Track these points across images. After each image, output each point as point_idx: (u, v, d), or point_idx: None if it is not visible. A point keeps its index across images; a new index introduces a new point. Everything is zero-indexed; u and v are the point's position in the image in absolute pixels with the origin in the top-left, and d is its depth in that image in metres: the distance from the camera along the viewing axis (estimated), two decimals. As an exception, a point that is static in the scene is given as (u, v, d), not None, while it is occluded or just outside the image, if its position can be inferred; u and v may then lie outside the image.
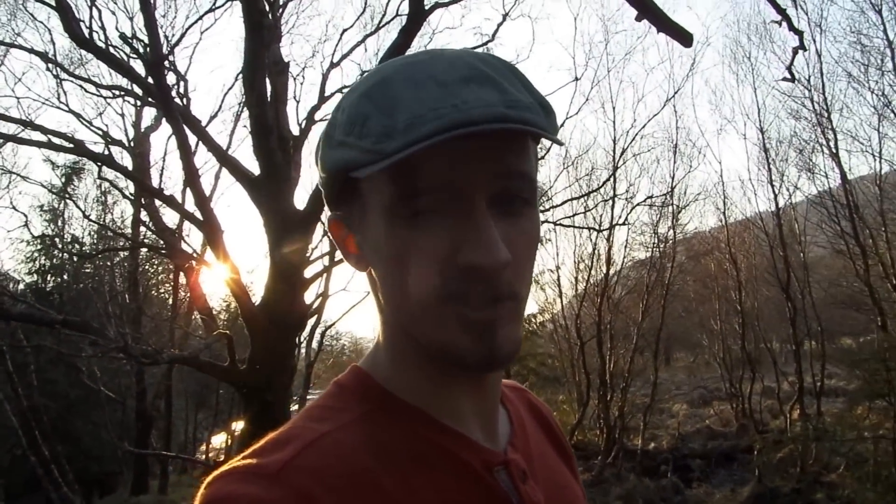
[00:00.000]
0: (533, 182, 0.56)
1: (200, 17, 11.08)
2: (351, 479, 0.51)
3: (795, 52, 3.00)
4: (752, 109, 13.30)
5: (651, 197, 13.54)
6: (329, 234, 0.63)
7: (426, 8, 4.66)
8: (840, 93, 16.62)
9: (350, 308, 12.01)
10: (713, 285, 15.70)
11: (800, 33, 2.84)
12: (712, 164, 29.69)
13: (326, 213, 0.63)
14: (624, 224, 13.18)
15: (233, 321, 14.75)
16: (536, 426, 0.73)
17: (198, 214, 5.35)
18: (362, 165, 0.51)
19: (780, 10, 2.75)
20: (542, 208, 10.61)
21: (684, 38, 2.28)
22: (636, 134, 13.00)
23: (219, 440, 19.54)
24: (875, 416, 9.11)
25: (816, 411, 11.45)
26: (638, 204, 13.40)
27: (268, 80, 5.48)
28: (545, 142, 0.59)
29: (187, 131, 5.11)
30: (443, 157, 0.50)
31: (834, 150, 11.45)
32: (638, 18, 2.28)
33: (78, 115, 10.95)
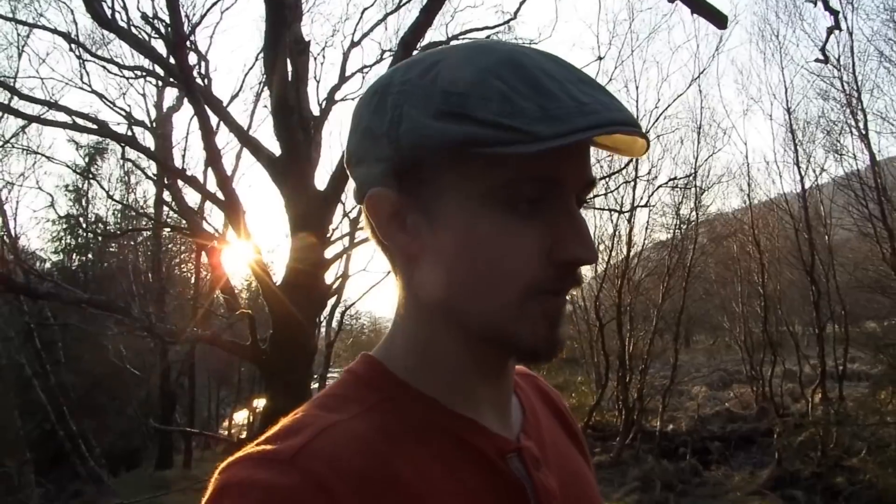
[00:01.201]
0: (595, 188, 0.60)
1: (221, -3, 11.02)
2: (364, 466, 0.51)
3: (830, 32, 2.92)
4: (780, 89, 13.13)
5: (674, 178, 13.37)
6: (368, 208, 0.58)
7: (448, -14, 4.59)
8: (871, 72, 16.15)
9: (370, 288, 12.04)
10: (735, 267, 15.51)
11: (835, 13, 2.75)
12: (737, 145, 29.26)
13: (365, 185, 0.59)
14: (646, 206, 13.07)
15: (254, 300, 14.92)
16: (547, 412, 0.74)
17: (220, 195, 5.39)
18: (502, 143, 0.50)
19: (816, -13, 2.67)
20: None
21: (719, 19, 2.23)
22: (660, 114, 12.81)
23: (241, 416, 19.90)
24: (899, 401, 9.01)
25: (838, 395, 11.34)
26: (660, 186, 13.25)
27: (288, 60, 5.46)
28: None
29: (209, 112, 5.12)
30: (562, 153, 0.51)
31: (863, 132, 11.20)
32: (671, 0, 2.22)
33: (101, 96, 11.07)
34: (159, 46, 7.00)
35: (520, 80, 0.51)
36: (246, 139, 5.77)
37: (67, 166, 14.31)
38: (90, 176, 14.74)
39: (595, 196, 12.39)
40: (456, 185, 0.54)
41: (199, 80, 6.77)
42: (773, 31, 13.59)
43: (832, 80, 11.62)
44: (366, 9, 14.69)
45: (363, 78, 9.51)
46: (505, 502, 0.57)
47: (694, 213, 13.87)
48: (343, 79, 8.54)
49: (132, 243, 15.88)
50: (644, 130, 0.53)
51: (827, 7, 2.71)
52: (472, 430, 0.58)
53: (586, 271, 15.20)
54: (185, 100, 10.46)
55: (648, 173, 13.13)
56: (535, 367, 0.71)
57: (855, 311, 13.96)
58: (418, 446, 0.55)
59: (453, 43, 0.64)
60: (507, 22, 8.72)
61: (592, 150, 0.60)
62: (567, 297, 0.58)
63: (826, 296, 12.12)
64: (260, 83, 12.07)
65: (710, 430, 12.78)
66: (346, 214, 10.26)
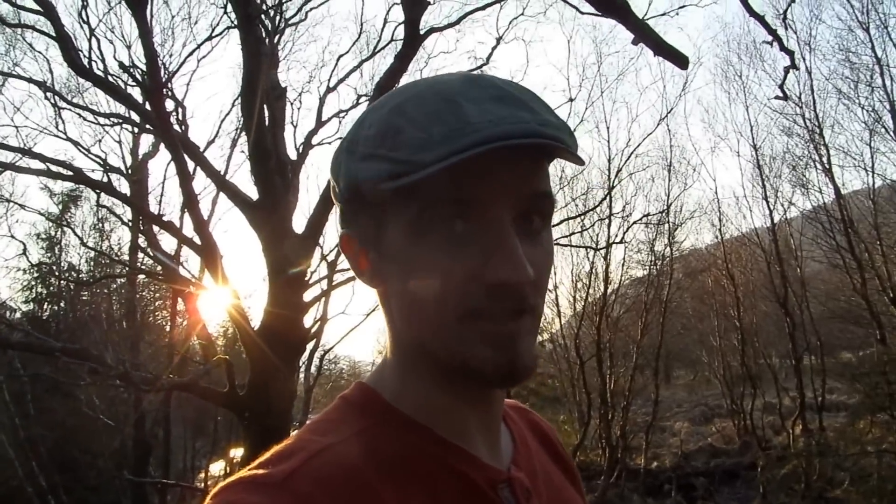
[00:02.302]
0: (552, 201, 0.58)
1: (199, 46, 11.12)
2: (355, 490, 0.51)
3: (787, 71, 3.06)
4: (745, 127, 13.49)
5: (647, 215, 13.60)
6: (341, 250, 0.63)
7: (421, 33, 4.72)
8: (831, 109, 16.77)
9: (349, 331, 11.91)
10: (711, 302, 15.69)
11: (791, 53, 2.90)
12: (707, 182, 29.88)
13: (339, 230, 0.64)
14: (621, 242, 13.25)
15: (230, 346, 14.69)
16: (539, 445, 0.73)
17: (196, 239, 5.36)
18: (395, 177, 0.52)
19: (771, 31, 2.81)
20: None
21: (680, 60, 2.33)
22: (631, 153, 13.09)
23: (217, 468, 19.33)
24: (877, 430, 9.08)
25: (819, 426, 11.41)
26: (634, 222, 13.47)
27: (265, 106, 5.53)
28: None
29: (186, 157, 5.14)
30: (471, 172, 0.51)
31: (827, 166, 11.58)
32: (635, 42, 2.32)
33: (76, 143, 10.98)
34: (135, 94, 7.05)
35: (417, 111, 0.53)
36: (223, 184, 5.79)
37: (41, 213, 14.12)
38: (63, 223, 14.56)
39: (571, 234, 12.54)
40: (390, 221, 0.56)
41: (175, 127, 6.80)
42: (735, 72, 14.10)
43: (795, 117, 12.08)
44: (341, 55, 14.91)
45: (339, 122, 9.62)
46: None
47: (668, 248, 14.10)
48: (319, 123, 8.63)
49: (106, 291, 15.62)
50: (554, 140, 0.52)
51: (782, 48, 2.85)
52: (462, 458, 0.58)
53: (565, 309, 15.27)
54: (162, 146, 10.48)
55: (623, 210, 13.37)
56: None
57: (830, 341, 14.17)
58: (407, 473, 0.55)
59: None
60: (480, 67, 8.92)
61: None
62: (517, 321, 0.55)
63: (801, 327, 12.31)
64: (237, 129, 12.13)
65: (695, 465, 12.73)
66: (324, 258, 10.24)
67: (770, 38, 2.82)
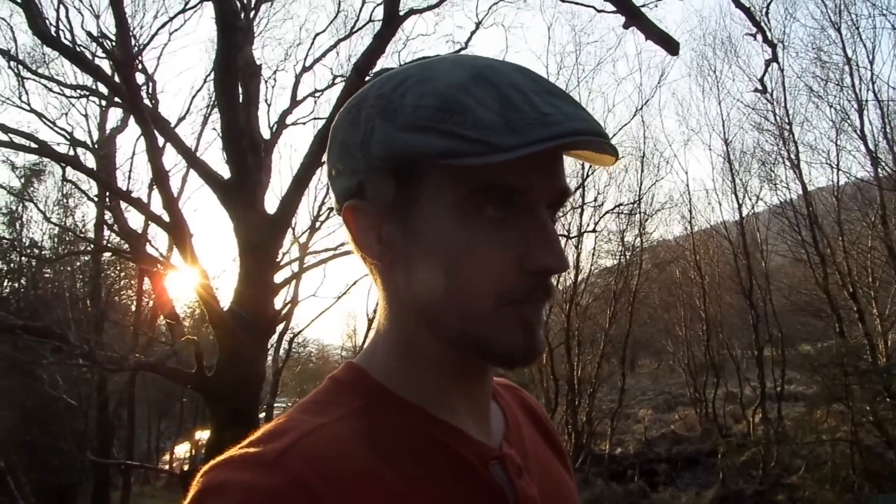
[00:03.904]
0: (570, 196, 0.60)
1: (171, 19, 10.85)
2: (347, 469, 0.51)
3: (768, 64, 3.10)
4: (717, 121, 13.65)
5: (619, 205, 13.76)
6: (345, 220, 0.60)
7: (401, 14, 4.67)
8: (801, 107, 17.04)
9: (319, 314, 11.86)
10: (678, 292, 15.97)
11: (773, 46, 2.93)
12: (679, 174, 30.26)
13: (343, 197, 0.60)
14: (592, 232, 13.37)
15: (198, 327, 14.51)
16: (529, 423, 0.74)
17: (165, 217, 5.26)
18: (464, 155, 0.51)
19: (756, 23, 2.83)
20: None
21: (671, 45, 2.34)
22: (605, 143, 13.16)
23: (182, 450, 19.19)
24: (833, 420, 9.36)
25: (777, 415, 11.73)
26: (607, 212, 13.62)
27: (240, 84, 5.42)
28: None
29: (156, 133, 5.02)
30: (526, 163, 0.52)
31: (795, 162, 11.80)
32: (626, 26, 2.32)
33: (40, 115, 10.66)
34: (104, 66, 6.85)
35: (486, 93, 0.52)
36: (194, 161, 5.68)
37: (2, 187, 13.71)
38: (26, 198, 14.17)
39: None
40: (427, 196, 0.55)
41: (146, 101, 6.65)
42: (710, 67, 14.28)
43: (766, 113, 12.27)
44: (318, 34, 14.80)
45: (315, 102, 9.59)
46: None
47: (638, 239, 14.28)
48: (294, 103, 8.53)
49: (69, 268, 15.28)
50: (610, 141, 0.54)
51: (765, 40, 2.87)
52: (454, 436, 0.58)
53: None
54: (131, 120, 10.23)
55: (595, 200, 13.49)
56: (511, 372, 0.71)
57: (791, 333, 14.54)
58: (400, 450, 0.55)
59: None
60: (458, 52, 8.88)
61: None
62: (542, 306, 0.58)
63: (764, 319, 12.60)
64: (208, 106, 11.91)
65: (657, 452, 13.02)
66: (295, 239, 10.16)
67: (754, 30, 2.85)
